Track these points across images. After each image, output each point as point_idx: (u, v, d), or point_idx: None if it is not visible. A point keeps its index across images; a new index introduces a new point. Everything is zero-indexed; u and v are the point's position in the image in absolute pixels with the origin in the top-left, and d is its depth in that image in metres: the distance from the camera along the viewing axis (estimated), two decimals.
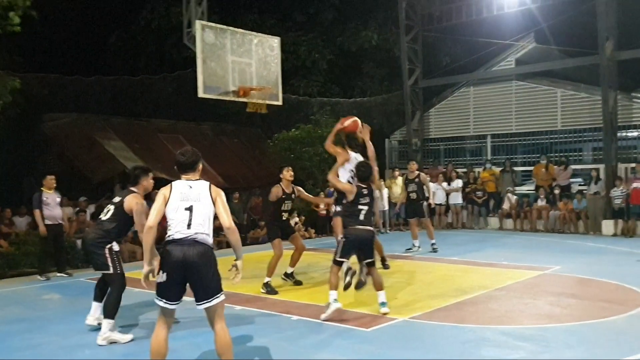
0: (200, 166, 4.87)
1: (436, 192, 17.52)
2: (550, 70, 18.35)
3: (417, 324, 6.55)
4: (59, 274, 10.40)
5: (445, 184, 17.44)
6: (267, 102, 13.10)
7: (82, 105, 16.84)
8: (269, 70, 13.38)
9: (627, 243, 13.20)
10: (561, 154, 17.35)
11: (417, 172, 12.46)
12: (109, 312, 6.07)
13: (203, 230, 4.57)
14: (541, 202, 16.04)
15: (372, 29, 22.58)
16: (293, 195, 8.79)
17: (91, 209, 13.79)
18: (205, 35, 12.05)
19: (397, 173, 16.76)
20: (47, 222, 10.09)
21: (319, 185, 17.06)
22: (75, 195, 13.79)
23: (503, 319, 6.71)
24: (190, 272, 4.51)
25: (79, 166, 14.87)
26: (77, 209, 13.03)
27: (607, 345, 5.66)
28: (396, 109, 21.27)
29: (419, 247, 12.19)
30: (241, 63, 12.72)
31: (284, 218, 8.81)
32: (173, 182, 4.75)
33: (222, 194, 4.78)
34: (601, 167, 15.93)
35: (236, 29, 13.13)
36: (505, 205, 16.74)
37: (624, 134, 16.50)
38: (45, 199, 10.13)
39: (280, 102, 13.87)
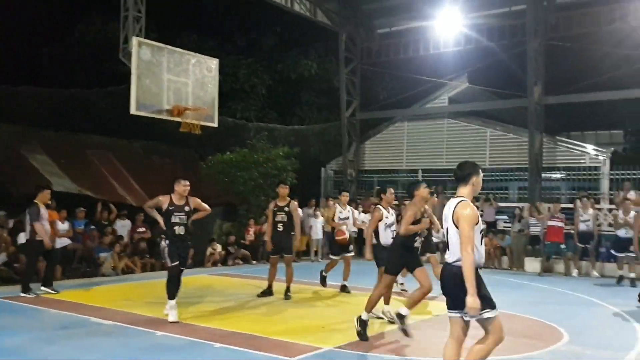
0: (473, 179, 4.75)
1: (367, 223, 17.66)
2: (482, 110, 19.06)
3: (342, 353, 6.49)
4: None
5: None
6: (202, 123, 12.92)
7: (8, 115, 16.03)
8: (205, 91, 13.24)
9: (547, 280, 13.62)
10: (488, 192, 17.90)
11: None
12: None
13: (449, 256, 4.70)
14: None
15: (312, 58, 22.85)
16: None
17: (10, 224, 13.06)
18: (142, 52, 11.83)
19: (330, 202, 16.73)
20: None
21: (252, 210, 16.84)
22: None
23: (428, 351, 6.71)
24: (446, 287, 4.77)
25: (0, 179, 14.12)
26: None
27: None
28: (333, 139, 21.46)
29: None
30: (177, 82, 12.54)
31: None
32: None
33: (466, 213, 4.50)
34: (525, 205, 16.51)
35: (174, 48, 12.95)
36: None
37: (549, 175, 17.21)
38: None
39: (215, 124, 13.72)
